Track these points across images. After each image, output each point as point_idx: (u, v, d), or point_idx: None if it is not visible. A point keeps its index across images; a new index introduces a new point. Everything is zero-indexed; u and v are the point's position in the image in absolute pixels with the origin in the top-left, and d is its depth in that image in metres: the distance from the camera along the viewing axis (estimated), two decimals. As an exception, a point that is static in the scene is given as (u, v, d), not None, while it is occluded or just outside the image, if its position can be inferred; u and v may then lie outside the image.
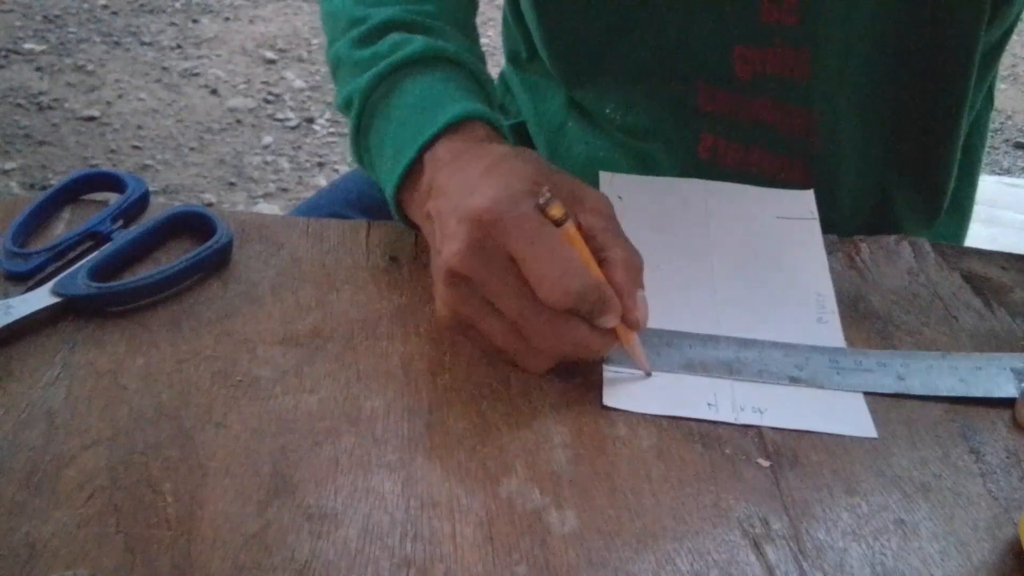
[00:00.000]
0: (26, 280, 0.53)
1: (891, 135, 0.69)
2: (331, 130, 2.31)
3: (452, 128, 0.54)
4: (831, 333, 0.56)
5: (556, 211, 0.48)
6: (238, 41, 2.65)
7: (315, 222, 0.61)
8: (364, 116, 0.58)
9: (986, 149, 0.79)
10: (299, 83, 2.49)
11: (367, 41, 0.60)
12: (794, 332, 0.55)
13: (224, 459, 0.45)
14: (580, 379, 0.51)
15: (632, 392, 0.50)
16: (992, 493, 0.47)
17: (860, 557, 0.43)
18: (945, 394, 0.52)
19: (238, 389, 0.49)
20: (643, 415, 0.49)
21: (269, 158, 2.20)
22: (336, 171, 2.19)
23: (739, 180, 0.66)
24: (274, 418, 0.47)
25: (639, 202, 0.63)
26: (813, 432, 0.49)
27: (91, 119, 2.25)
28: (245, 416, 0.47)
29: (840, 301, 0.58)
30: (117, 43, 2.57)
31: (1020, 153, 2.50)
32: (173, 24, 2.70)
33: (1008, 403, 0.52)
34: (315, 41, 2.66)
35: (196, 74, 2.48)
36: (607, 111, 0.73)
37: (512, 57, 0.82)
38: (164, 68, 2.49)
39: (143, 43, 2.59)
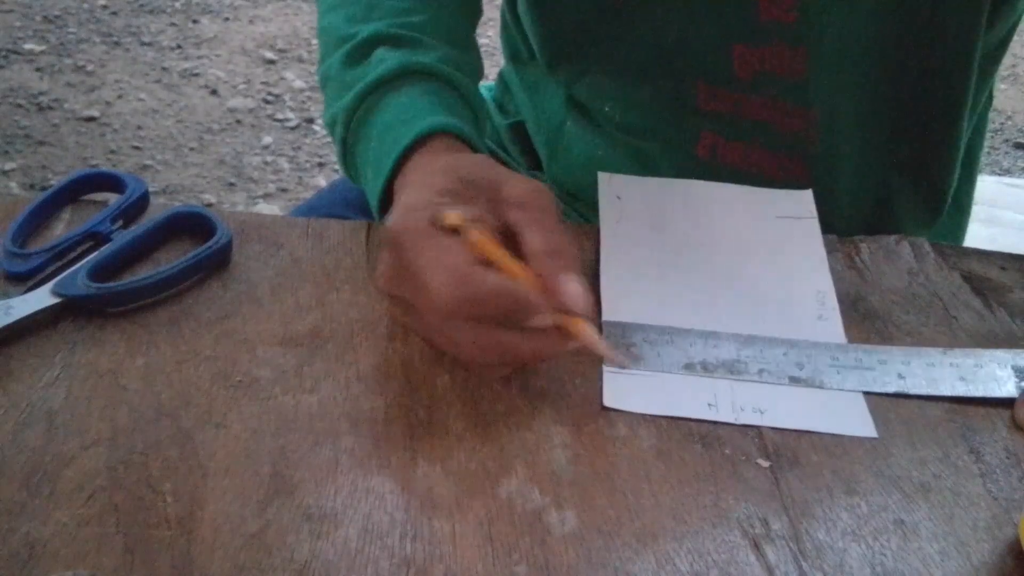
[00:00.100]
0: (26, 280, 0.53)
1: (891, 135, 0.69)
2: (330, 131, 2.31)
3: (419, 144, 0.54)
4: (832, 330, 0.56)
5: (452, 219, 0.46)
6: (238, 41, 2.65)
7: (315, 222, 0.61)
8: (348, 137, 0.59)
9: (985, 149, 0.79)
10: (299, 83, 2.49)
11: (354, 58, 0.61)
12: (795, 329, 0.55)
13: (224, 459, 0.45)
14: (580, 379, 0.51)
15: (632, 392, 0.50)
16: (992, 493, 0.47)
17: (860, 557, 0.43)
18: (945, 393, 0.52)
19: (238, 389, 0.49)
20: (643, 415, 0.49)
21: (269, 158, 2.21)
22: (336, 171, 2.19)
23: (738, 179, 0.66)
24: (274, 418, 0.47)
25: (638, 202, 0.63)
26: (813, 432, 0.49)
27: (91, 119, 2.25)
28: (245, 416, 0.47)
29: (840, 301, 0.58)
30: (117, 43, 2.57)
31: (1020, 153, 2.50)
32: (173, 24, 2.70)
33: (1008, 403, 0.52)
34: (315, 41, 2.65)
35: (196, 74, 2.48)
36: (606, 109, 0.73)
37: (512, 56, 0.82)
38: (164, 68, 2.49)
39: (143, 43, 2.59)
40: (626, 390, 0.50)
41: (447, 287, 0.45)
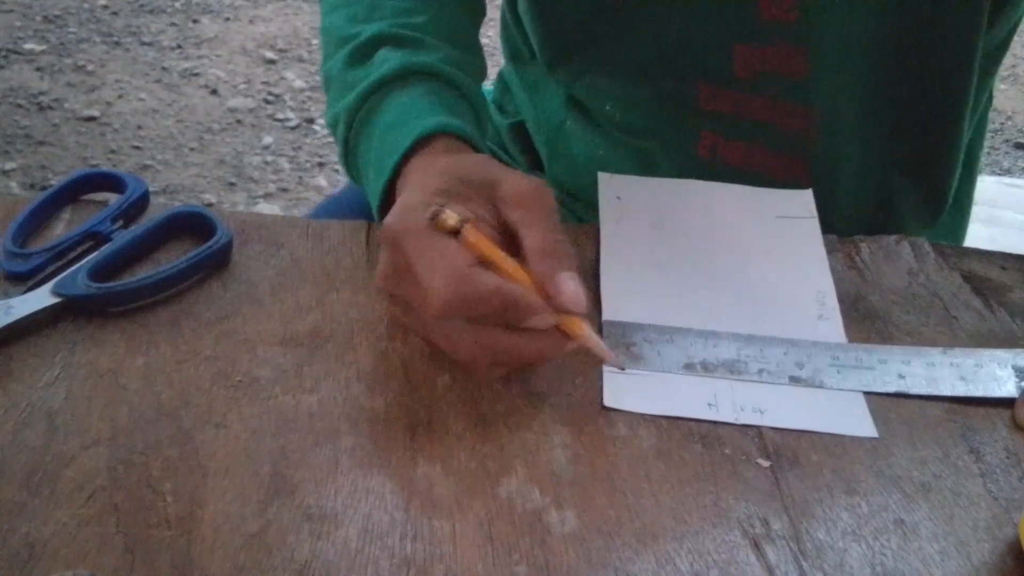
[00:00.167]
0: (26, 280, 0.53)
1: (892, 135, 0.69)
2: (331, 130, 2.31)
3: (420, 144, 0.54)
4: (832, 329, 0.56)
5: (449, 220, 0.46)
6: (238, 41, 2.65)
7: (315, 222, 0.61)
8: (351, 138, 0.59)
9: (985, 149, 0.79)
10: (299, 83, 2.49)
11: (356, 58, 0.61)
12: (795, 329, 0.55)
13: (224, 459, 0.45)
14: (580, 379, 0.51)
15: (632, 392, 0.50)
16: (992, 493, 0.47)
17: (860, 557, 0.43)
18: (945, 393, 0.52)
19: (238, 389, 0.49)
20: (643, 415, 0.49)
21: (269, 158, 2.21)
22: (336, 171, 2.19)
23: (739, 179, 0.66)
24: (274, 418, 0.47)
25: (638, 202, 0.63)
26: (813, 432, 0.49)
27: (91, 119, 2.25)
28: (245, 416, 0.47)
29: (840, 301, 0.58)
30: (117, 43, 2.57)
31: (1020, 153, 2.50)
32: (173, 24, 2.70)
33: (1008, 403, 0.52)
34: (315, 41, 2.66)
35: (196, 74, 2.48)
36: (606, 109, 0.73)
37: (512, 56, 0.82)
38: (164, 68, 2.49)
39: (143, 43, 2.59)
40: (626, 390, 0.50)
41: (445, 288, 0.45)
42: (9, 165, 2.07)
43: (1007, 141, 2.54)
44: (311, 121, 2.35)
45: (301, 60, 2.59)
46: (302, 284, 0.56)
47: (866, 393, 0.52)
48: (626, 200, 0.63)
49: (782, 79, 0.66)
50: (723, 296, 0.57)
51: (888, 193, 0.72)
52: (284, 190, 2.11)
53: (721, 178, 0.66)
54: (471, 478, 0.45)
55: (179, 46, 2.59)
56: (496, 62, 0.87)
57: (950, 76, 0.66)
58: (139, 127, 2.25)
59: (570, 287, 0.46)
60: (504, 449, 0.47)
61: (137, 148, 2.18)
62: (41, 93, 2.32)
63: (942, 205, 0.73)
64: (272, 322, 0.53)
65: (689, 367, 0.52)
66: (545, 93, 0.78)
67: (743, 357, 0.53)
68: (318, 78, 2.49)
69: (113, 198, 0.59)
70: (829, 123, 0.68)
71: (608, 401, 0.50)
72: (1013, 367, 0.54)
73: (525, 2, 0.73)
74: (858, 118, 0.68)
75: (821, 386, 0.52)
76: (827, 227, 0.63)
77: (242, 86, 2.45)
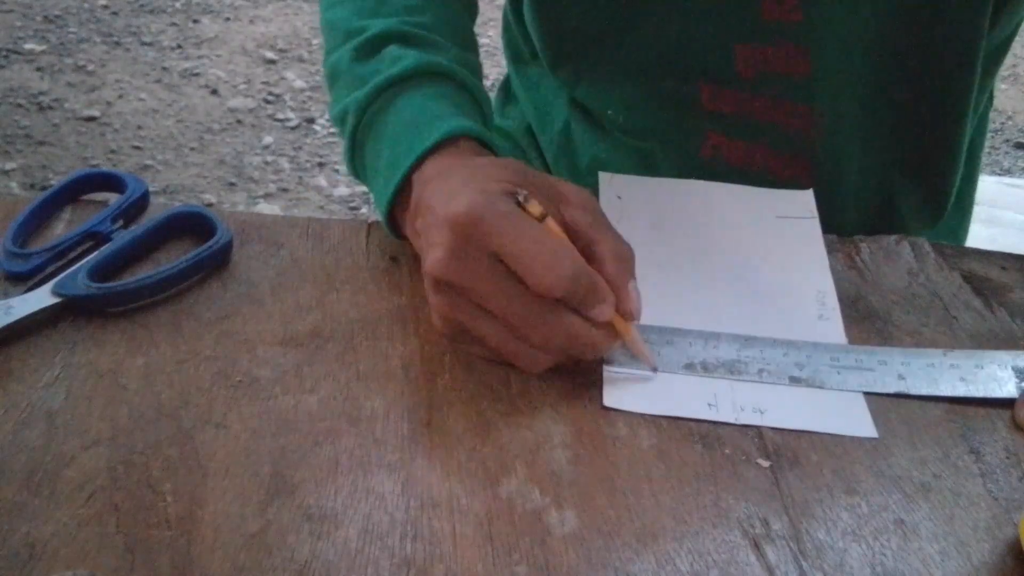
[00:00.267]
0: (26, 280, 0.53)
1: (895, 134, 0.69)
2: (331, 130, 2.31)
3: (441, 146, 0.54)
4: (832, 329, 0.56)
5: (535, 208, 0.48)
6: (238, 41, 2.65)
7: (315, 222, 0.61)
8: (359, 132, 0.58)
9: (986, 149, 0.79)
10: (299, 83, 2.49)
11: (364, 53, 0.61)
12: (795, 329, 0.55)
13: (224, 459, 0.45)
14: (580, 379, 0.51)
15: (632, 392, 0.50)
16: (992, 493, 0.47)
17: (860, 557, 0.43)
18: (946, 394, 0.52)
19: (238, 389, 0.49)
20: (643, 415, 0.49)
21: (269, 158, 2.21)
22: (336, 171, 2.19)
23: (742, 179, 0.66)
24: (274, 418, 0.47)
25: (638, 202, 0.63)
26: (813, 432, 0.49)
27: (91, 119, 2.25)
28: (245, 416, 0.47)
29: (840, 301, 0.58)
30: (117, 43, 2.57)
31: (1020, 153, 2.50)
32: (173, 24, 2.70)
33: (1008, 403, 0.52)
34: (315, 41, 2.66)
35: (196, 74, 2.48)
36: (609, 112, 0.73)
37: (514, 58, 0.82)
38: (164, 68, 2.49)
39: (143, 43, 2.59)
40: (626, 390, 0.50)
41: (556, 262, 0.46)
42: (9, 165, 2.07)
43: (1007, 141, 2.54)
44: (311, 121, 2.35)
45: (301, 60, 2.59)
46: (302, 284, 0.56)
47: (866, 393, 0.52)
48: (626, 200, 0.63)
49: (784, 79, 0.66)
50: (723, 296, 0.57)
51: (890, 193, 0.72)
52: (284, 190, 2.11)
53: (723, 178, 0.66)
54: (471, 478, 0.45)
55: (179, 46, 2.60)
56: (496, 62, 0.87)
57: (952, 76, 0.66)
58: (139, 127, 2.25)
59: (636, 294, 0.50)
60: (504, 449, 0.47)
61: (137, 148, 2.18)
62: (41, 93, 2.32)
63: (944, 205, 0.73)
64: (272, 322, 0.53)
65: (689, 367, 0.52)
66: (548, 96, 0.78)
67: (743, 358, 0.53)
68: (318, 78, 2.49)
69: (113, 198, 0.59)
70: (831, 123, 0.68)
71: (608, 401, 0.50)
72: (1013, 368, 0.54)
73: (528, 3, 0.73)
74: (860, 118, 0.68)
75: (821, 387, 0.52)
76: (829, 227, 0.63)
77: (242, 86, 2.45)
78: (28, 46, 2.51)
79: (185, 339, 0.51)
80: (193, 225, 0.58)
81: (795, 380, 0.52)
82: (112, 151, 2.16)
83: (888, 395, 0.52)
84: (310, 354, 0.51)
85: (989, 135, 0.76)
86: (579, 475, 0.46)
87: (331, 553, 0.41)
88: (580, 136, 0.75)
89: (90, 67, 2.45)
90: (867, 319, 0.57)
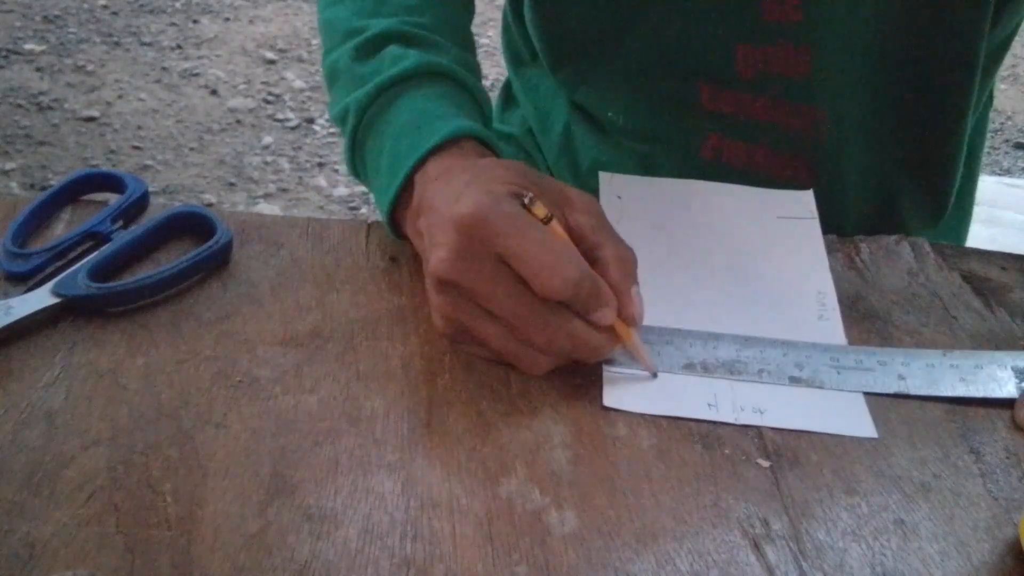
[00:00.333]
0: (26, 280, 0.53)
1: (895, 134, 0.69)
2: (331, 130, 2.31)
3: (444, 145, 0.54)
4: (832, 330, 0.56)
5: (540, 211, 0.48)
6: (238, 41, 2.65)
7: (315, 222, 0.61)
8: (360, 131, 0.58)
9: (986, 149, 0.79)
10: (299, 83, 2.49)
11: (364, 53, 0.60)
12: (795, 330, 0.55)
13: (224, 459, 0.45)
14: (580, 379, 0.51)
15: (632, 392, 0.50)
16: (992, 493, 0.47)
17: (860, 557, 0.43)
18: (946, 394, 0.52)
19: (238, 389, 0.49)
20: (643, 415, 0.49)
21: (269, 158, 2.21)
22: (336, 171, 2.19)
23: (743, 179, 0.66)
24: (274, 418, 0.47)
25: (638, 202, 0.63)
26: (813, 432, 0.49)
27: (91, 119, 2.25)
28: (245, 416, 0.47)
29: (840, 301, 0.58)
30: (117, 43, 2.57)
31: (1020, 153, 2.50)
32: (173, 24, 2.70)
33: (1008, 403, 0.52)
34: (315, 41, 2.66)
35: (196, 74, 2.48)
36: (609, 114, 0.73)
37: (514, 60, 0.82)
38: (164, 68, 2.49)
39: (143, 43, 2.59)
40: (626, 390, 0.50)
41: (561, 265, 0.46)
42: (9, 165, 2.07)
43: (1007, 141, 2.54)
44: (311, 121, 2.35)
45: (301, 60, 2.59)
46: (302, 284, 0.56)
47: (866, 394, 0.52)
48: (627, 200, 0.63)
49: (784, 79, 0.66)
50: (723, 296, 0.57)
51: (891, 193, 0.72)
52: (284, 190, 2.11)
53: (723, 178, 0.66)
54: (471, 478, 0.45)
55: (179, 46, 2.60)
56: (496, 62, 0.87)
57: (952, 76, 0.66)
58: (139, 127, 2.25)
59: (639, 299, 0.50)
60: (504, 449, 0.47)
61: (137, 148, 2.18)
62: (41, 93, 2.32)
63: (944, 204, 0.73)
64: (272, 322, 0.53)
65: (689, 367, 0.52)
66: (548, 98, 0.78)
67: (743, 358, 0.53)
68: (318, 78, 2.49)
69: (113, 198, 0.59)
70: (833, 123, 0.68)
71: (608, 401, 0.50)
72: (1013, 368, 0.54)
73: (528, 4, 0.73)
74: (861, 118, 0.68)
75: (821, 387, 0.52)
76: (829, 227, 0.63)
77: (242, 86, 2.45)
78: (28, 46, 2.51)
79: (185, 339, 0.51)
80: (193, 225, 0.58)
81: (795, 380, 0.52)
82: (112, 151, 2.16)
83: (888, 395, 0.52)
84: (310, 354, 0.51)
85: (989, 135, 0.76)
86: (579, 475, 0.46)
87: (331, 553, 0.41)
88: (581, 138, 0.75)
89: (90, 67, 2.45)
90: (867, 319, 0.57)
